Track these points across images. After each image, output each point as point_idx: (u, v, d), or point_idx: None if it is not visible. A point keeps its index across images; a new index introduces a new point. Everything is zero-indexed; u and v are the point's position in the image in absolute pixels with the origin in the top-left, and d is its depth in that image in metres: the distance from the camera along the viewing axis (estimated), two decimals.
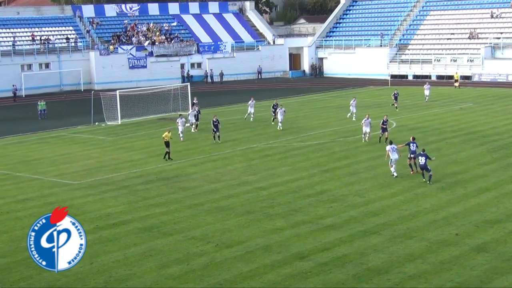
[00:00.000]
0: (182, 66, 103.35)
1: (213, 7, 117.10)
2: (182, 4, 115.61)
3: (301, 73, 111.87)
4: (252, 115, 61.65)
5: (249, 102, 62.21)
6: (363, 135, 49.07)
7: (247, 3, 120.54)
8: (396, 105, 65.99)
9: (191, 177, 40.85)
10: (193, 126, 57.40)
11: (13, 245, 28.97)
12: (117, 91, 64.84)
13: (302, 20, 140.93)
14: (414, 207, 32.81)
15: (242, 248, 27.56)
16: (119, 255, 27.15)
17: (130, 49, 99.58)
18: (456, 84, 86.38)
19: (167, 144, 46.06)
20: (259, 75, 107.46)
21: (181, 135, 52.92)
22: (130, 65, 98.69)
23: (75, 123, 65.14)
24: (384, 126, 47.87)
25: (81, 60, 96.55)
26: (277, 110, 56.81)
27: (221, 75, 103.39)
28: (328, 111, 65.87)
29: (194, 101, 64.15)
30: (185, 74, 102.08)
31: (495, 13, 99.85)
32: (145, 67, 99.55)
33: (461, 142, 44.86)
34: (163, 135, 46.47)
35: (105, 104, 65.01)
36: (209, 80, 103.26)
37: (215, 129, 51.41)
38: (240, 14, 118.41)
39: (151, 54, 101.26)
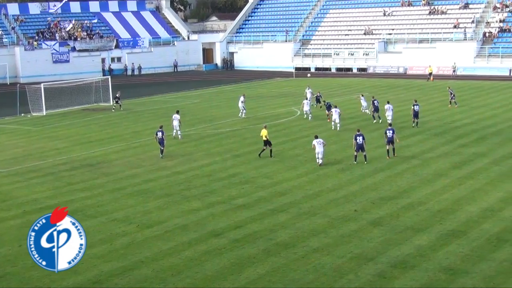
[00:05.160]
0: (103, 60, 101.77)
1: (131, 5, 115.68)
2: (102, 3, 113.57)
3: (214, 66, 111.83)
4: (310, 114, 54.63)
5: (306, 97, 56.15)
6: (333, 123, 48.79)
7: (163, 2, 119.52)
8: (453, 101, 58.54)
9: (113, 163, 40.32)
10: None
11: None
12: (42, 84, 63.39)
13: (214, 18, 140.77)
14: (317, 187, 33.24)
15: (162, 228, 27.41)
16: None
17: (54, 45, 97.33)
18: (431, 78, 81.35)
19: (267, 142, 39.98)
20: (175, 68, 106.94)
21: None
22: (54, 60, 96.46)
23: (1, 114, 63.19)
24: None
25: (7, 55, 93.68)
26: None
27: (140, 68, 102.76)
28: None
29: (117, 95, 63.48)
30: (106, 68, 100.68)
31: (387, 11, 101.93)
32: (68, 61, 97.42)
33: (358, 127, 45.46)
34: (261, 133, 40.30)
35: (31, 96, 63.54)
36: (129, 73, 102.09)
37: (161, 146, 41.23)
38: (157, 12, 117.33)
39: (73, 49, 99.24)
